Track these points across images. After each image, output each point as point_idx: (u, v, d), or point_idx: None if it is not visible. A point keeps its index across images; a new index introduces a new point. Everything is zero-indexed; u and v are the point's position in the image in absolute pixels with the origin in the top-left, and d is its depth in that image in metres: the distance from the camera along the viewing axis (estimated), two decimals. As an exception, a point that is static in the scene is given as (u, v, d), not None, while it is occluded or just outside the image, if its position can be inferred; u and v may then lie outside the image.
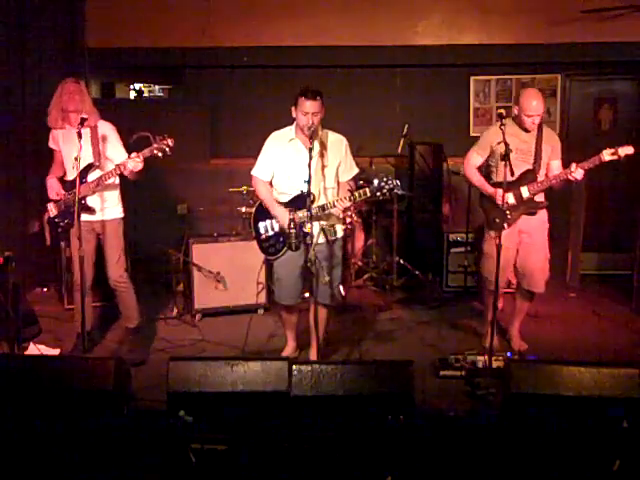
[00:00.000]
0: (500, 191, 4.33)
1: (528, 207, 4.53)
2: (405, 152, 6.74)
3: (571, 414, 3.12)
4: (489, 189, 4.56)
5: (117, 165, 4.33)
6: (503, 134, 4.15)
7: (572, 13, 6.45)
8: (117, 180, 4.53)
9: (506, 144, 4.08)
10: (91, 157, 4.40)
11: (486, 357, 4.19)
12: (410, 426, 3.07)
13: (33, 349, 4.42)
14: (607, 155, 4.34)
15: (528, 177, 4.49)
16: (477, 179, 4.65)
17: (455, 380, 4.20)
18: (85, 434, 3.13)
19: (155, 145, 4.21)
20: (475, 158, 4.65)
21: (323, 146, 4.22)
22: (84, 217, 4.42)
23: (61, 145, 4.52)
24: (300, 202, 4.11)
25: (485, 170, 4.72)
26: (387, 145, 6.76)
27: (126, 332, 4.77)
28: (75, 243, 4.37)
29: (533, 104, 4.42)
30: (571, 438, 3.09)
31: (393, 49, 6.81)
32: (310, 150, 3.91)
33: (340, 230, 4.37)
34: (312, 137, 4.02)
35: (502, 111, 4.36)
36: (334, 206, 4.11)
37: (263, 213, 4.34)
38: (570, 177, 4.39)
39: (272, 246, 4.33)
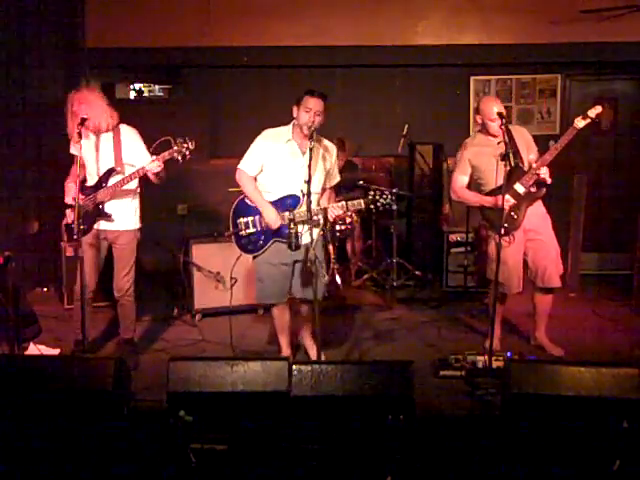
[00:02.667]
0: (500, 197, 4.30)
1: (529, 201, 4.52)
2: (405, 152, 6.75)
3: (571, 414, 3.12)
4: (488, 200, 4.52)
5: (138, 169, 4.30)
6: (503, 134, 4.15)
7: (572, 13, 6.46)
8: (136, 188, 4.49)
9: (506, 144, 4.08)
10: (112, 162, 4.37)
11: (486, 357, 4.19)
12: (410, 426, 3.07)
13: (33, 349, 4.41)
14: (580, 122, 4.32)
15: (516, 174, 4.45)
16: (472, 196, 4.65)
17: (455, 380, 4.20)
18: (85, 434, 3.13)
19: (175, 148, 4.24)
20: (460, 179, 4.65)
21: (317, 150, 4.21)
22: (100, 225, 4.42)
23: (83, 152, 4.38)
24: (288, 203, 4.16)
25: (474, 187, 4.69)
26: (387, 145, 6.77)
27: (121, 341, 4.74)
28: (84, 250, 4.33)
29: (494, 109, 4.43)
30: (571, 438, 3.09)
31: (393, 49, 6.81)
32: (311, 150, 3.91)
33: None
34: (311, 137, 4.00)
35: (502, 111, 4.37)
36: (325, 212, 4.11)
37: (245, 208, 4.33)
38: (538, 174, 4.40)
39: (252, 243, 4.32)
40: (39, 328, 4.63)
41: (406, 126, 6.55)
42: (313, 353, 4.50)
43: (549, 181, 4.43)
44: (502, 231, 4.30)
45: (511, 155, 4.11)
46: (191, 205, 6.26)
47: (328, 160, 4.31)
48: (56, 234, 5.83)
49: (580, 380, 3.14)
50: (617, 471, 2.99)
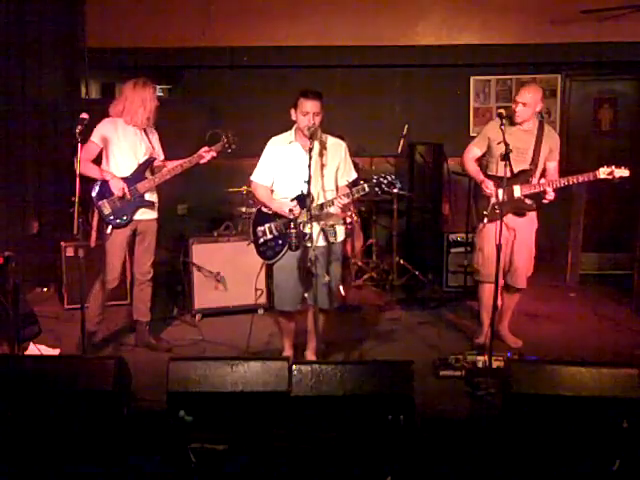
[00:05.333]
0: (490, 183, 4.56)
1: (517, 207, 4.62)
2: (405, 152, 6.75)
3: (571, 414, 3.12)
4: (480, 177, 4.68)
5: (190, 159, 4.63)
6: (503, 134, 4.17)
7: (572, 13, 6.46)
8: None
9: (506, 144, 4.11)
10: (147, 154, 4.64)
11: (486, 357, 4.19)
12: (410, 426, 3.07)
13: (33, 349, 4.41)
14: (602, 174, 4.45)
15: (523, 177, 4.60)
16: (473, 168, 4.79)
17: (455, 380, 4.20)
18: (85, 434, 3.13)
19: (225, 140, 4.67)
20: (473, 150, 4.80)
21: (323, 148, 4.20)
22: (141, 215, 4.61)
23: (115, 141, 4.53)
24: (299, 203, 4.12)
25: (484, 166, 4.83)
26: (387, 145, 6.77)
27: (141, 325, 4.87)
28: (119, 242, 4.57)
29: (520, 91, 4.60)
30: (571, 438, 3.09)
31: (393, 49, 6.81)
32: (310, 150, 3.91)
33: (341, 232, 4.35)
34: (312, 137, 4.02)
35: (502, 111, 4.40)
36: (333, 204, 4.10)
37: (262, 217, 4.34)
38: (544, 191, 4.53)
39: (270, 249, 4.32)
40: (39, 328, 4.62)
41: (406, 126, 6.55)
42: (311, 354, 4.54)
43: (547, 201, 4.56)
44: (484, 218, 4.62)
45: (511, 156, 4.18)
46: (191, 205, 6.27)
47: (337, 156, 4.28)
48: (56, 234, 5.84)
49: (580, 380, 3.14)
50: (617, 471, 3.00)
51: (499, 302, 4.62)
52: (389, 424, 3.05)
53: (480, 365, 4.24)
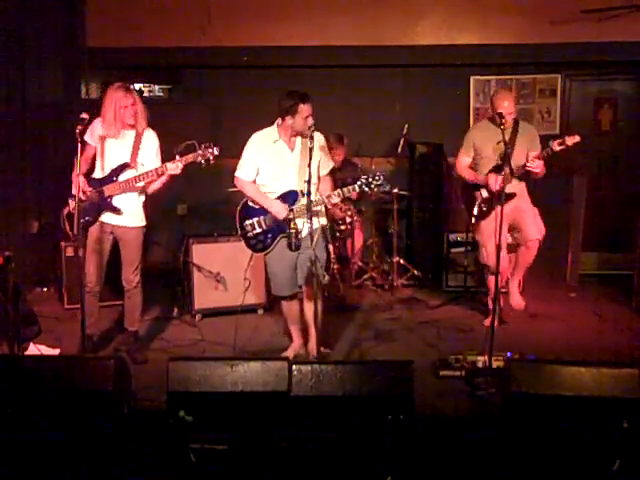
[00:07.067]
0: (492, 176, 4.81)
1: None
2: (405, 152, 6.75)
3: (571, 414, 3.12)
4: (480, 178, 4.93)
5: (156, 168, 4.34)
6: (503, 134, 4.20)
7: (572, 13, 6.45)
8: (144, 186, 4.49)
9: (506, 144, 4.15)
10: (127, 158, 4.42)
11: (486, 357, 4.19)
12: (410, 426, 3.07)
13: (33, 349, 4.41)
14: (557, 146, 4.66)
15: (496, 172, 4.78)
16: (469, 174, 5.06)
17: (455, 380, 4.20)
18: (85, 434, 3.13)
19: (199, 152, 4.26)
20: (463, 159, 5.07)
21: (307, 146, 4.20)
22: (106, 218, 4.47)
23: (101, 142, 4.42)
24: (288, 199, 4.26)
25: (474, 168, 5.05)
26: (387, 145, 6.77)
27: (126, 334, 4.80)
28: (89, 243, 4.41)
29: (505, 105, 4.71)
30: (571, 438, 3.09)
31: (393, 49, 6.81)
32: (311, 150, 3.96)
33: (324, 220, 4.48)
34: (312, 137, 4.06)
35: (502, 111, 4.40)
36: (323, 202, 4.22)
37: (249, 211, 4.43)
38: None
39: (260, 242, 4.43)
40: (39, 328, 4.63)
41: (406, 126, 6.55)
42: (313, 346, 4.53)
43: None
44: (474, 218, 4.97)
45: (490, 154, 4.62)
46: (191, 205, 6.27)
47: (317, 150, 4.33)
48: (56, 234, 5.83)
49: (580, 380, 3.14)
50: (617, 471, 3.00)
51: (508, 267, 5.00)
52: (389, 424, 3.06)
53: (480, 365, 4.24)
